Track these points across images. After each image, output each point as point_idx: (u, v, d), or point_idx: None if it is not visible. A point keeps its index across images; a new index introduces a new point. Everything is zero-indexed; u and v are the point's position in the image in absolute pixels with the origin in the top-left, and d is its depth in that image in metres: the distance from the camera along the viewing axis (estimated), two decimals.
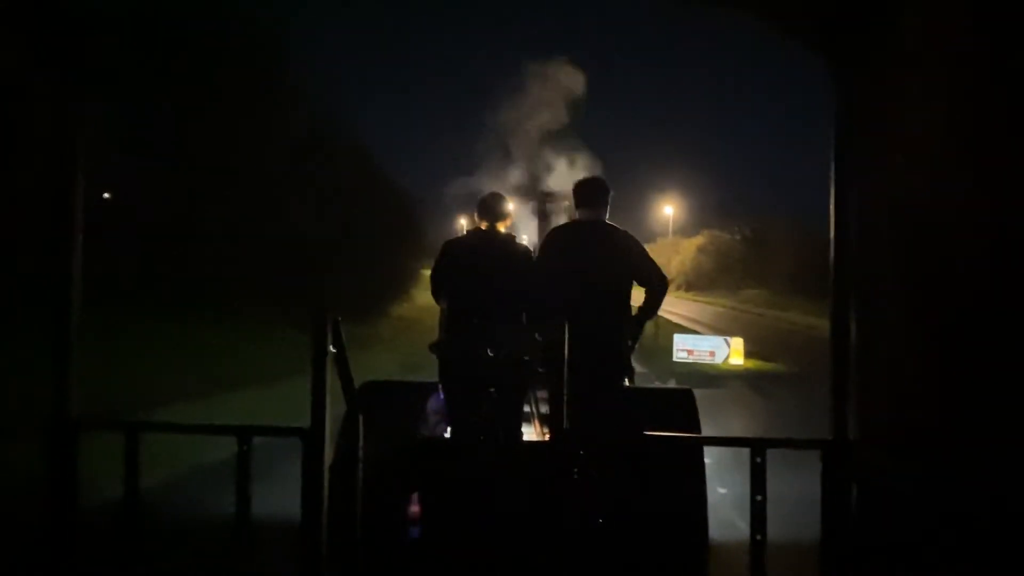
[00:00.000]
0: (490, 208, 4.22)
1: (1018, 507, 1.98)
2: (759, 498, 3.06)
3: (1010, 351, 2.02)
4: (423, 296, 22.79)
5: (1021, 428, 1.99)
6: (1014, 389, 2.03)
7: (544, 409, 4.22)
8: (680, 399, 4.21)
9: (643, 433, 3.45)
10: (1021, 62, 1.96)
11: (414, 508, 3.79)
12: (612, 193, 4.25)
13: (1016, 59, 1.97)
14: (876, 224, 2.78)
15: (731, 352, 17.71)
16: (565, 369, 3.24)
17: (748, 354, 17.91)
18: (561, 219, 4.77)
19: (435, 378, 4.14)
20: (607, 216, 4.21)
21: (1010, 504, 2.01)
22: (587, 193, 4.22)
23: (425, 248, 26.60)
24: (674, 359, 16.93)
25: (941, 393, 2.32)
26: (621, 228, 4.19)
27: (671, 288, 20.37)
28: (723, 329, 24.52)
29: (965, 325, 2.20)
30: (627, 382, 4.20)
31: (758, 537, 3.04)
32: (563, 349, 3.28)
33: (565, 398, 3.25)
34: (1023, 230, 1.99)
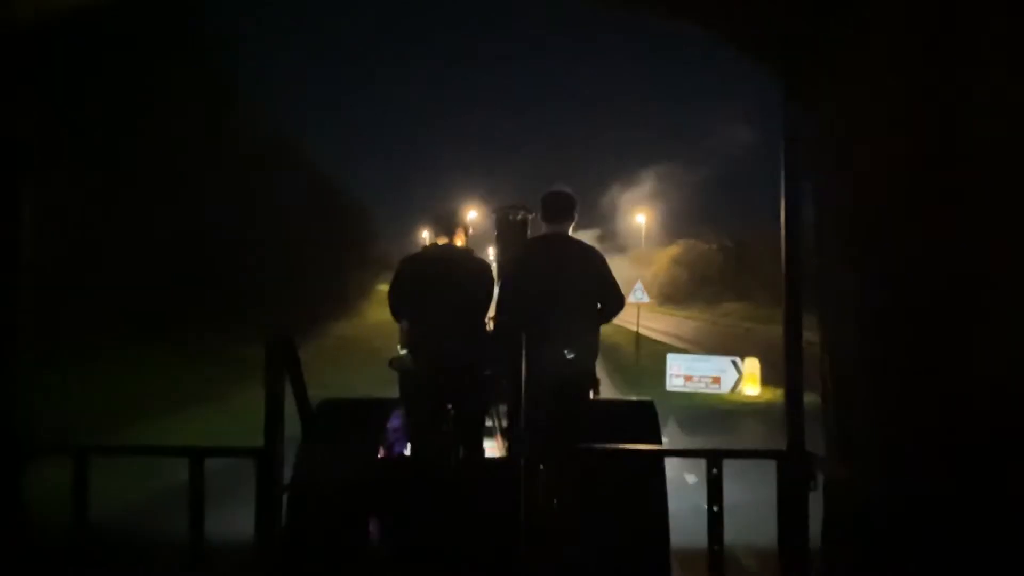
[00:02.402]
0: (445, 222, 4.44)
1: (979, 510, 2.12)
2: (715, 509, 3.28)
3: (965, 358, 2.16)
4: (377, 312, 22.83)
5: (980, 433, 2.13)
6: (971, 394, 2.16)
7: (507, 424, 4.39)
8: (641, 410, 4.41)
9: (598, 447, 3.67)
10: (961, 77, 2.15)
11: (374, 526, 3.95)
12: (578, 207, 4.47)
13: (956, 74, 2.16)
14: (830, 234, 2.94)
15: (744, 378, 14.18)
16: (523, 385, 3.39)
17: (764, 379, 13.95)
18: (527, 232, 4.98)
19: (395, 395, 4.36)
20: (572, 229, 4.44)
21: (972, 508, 2.14)
22: (554, 207, 4.41)
23: (381, 261, 26.38)
24: (668, 387, 13.98)
25: (898, 402, 2.46)
26: (587, 243, 4.46)
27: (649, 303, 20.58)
28: (712, 346, 21.38)
29: (921, 338, 2.34)
30: (592, 395, 4.44)
31: (715, 547, 3.25)
32: (520, 365, 3.41)
33: (524, 413, 3.40)
34: (973, 234, 2.13)
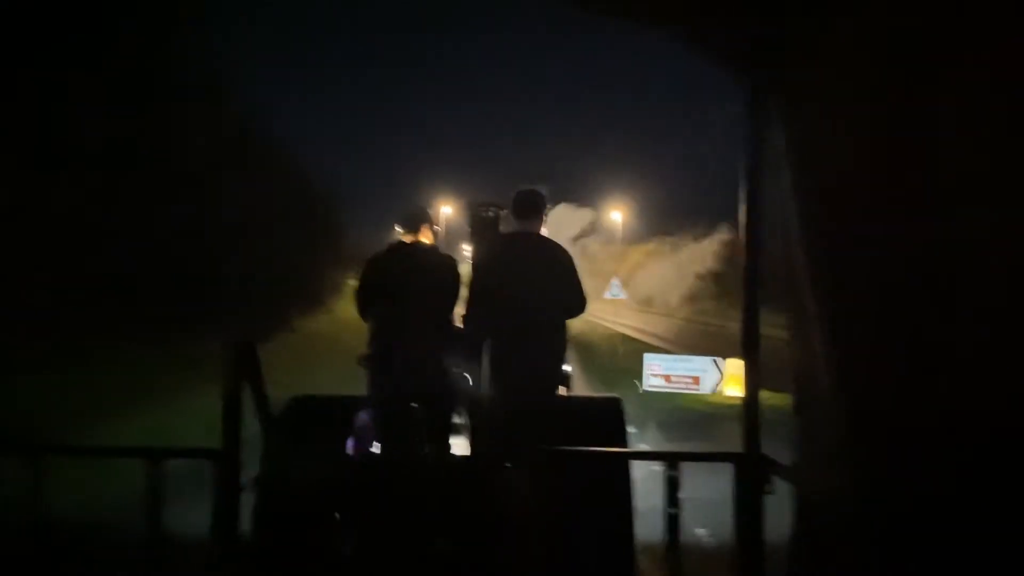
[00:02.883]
0: (412, 219, 4.56)
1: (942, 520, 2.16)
2: (672, 511, 3.38)
3: (937, 360, 2.20)
4: (348, 308, 22.47)
5: (947, 439, 2.16)
6: (944, 393, 2.18)
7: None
8: (607, 406, 4.54)
9: (558, 449, 3.73)
10: (929, 94, 2.20)
11: (341, 525, 4.00)
12: (548, 205, 4.61)
13: (925, 90, 2.21)
14: (795, 237, 2.95)
15: (725, 378, 13.83)
16: (485, 383, 3.45)
17: None
18: (499, 229, 5.10)
19: (363, 392, 4.42)
20: (542, 227, 4.56)
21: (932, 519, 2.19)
22: (524, 204, 4.52)
23: (353, 254, 26.04)
24: (644, 388, 13.66)
25: (865, 402, 2.48)
26: (556, 242, 4.53)
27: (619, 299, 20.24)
28: (690, 345, 20.86)
29: (888, 338, 2.38)
30: (563, 390, 4.64)
31: (673, 549, 3.35)
32: (482, 363, 3.48)
33: (489, 412, 3.47)
34: (938, 247, 2.18)
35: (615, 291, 18.75)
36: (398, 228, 4.67)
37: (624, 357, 18.32)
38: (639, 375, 14.01)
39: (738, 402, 10.00)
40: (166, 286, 14.67)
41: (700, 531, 4.73)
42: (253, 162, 20.13)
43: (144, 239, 14.21)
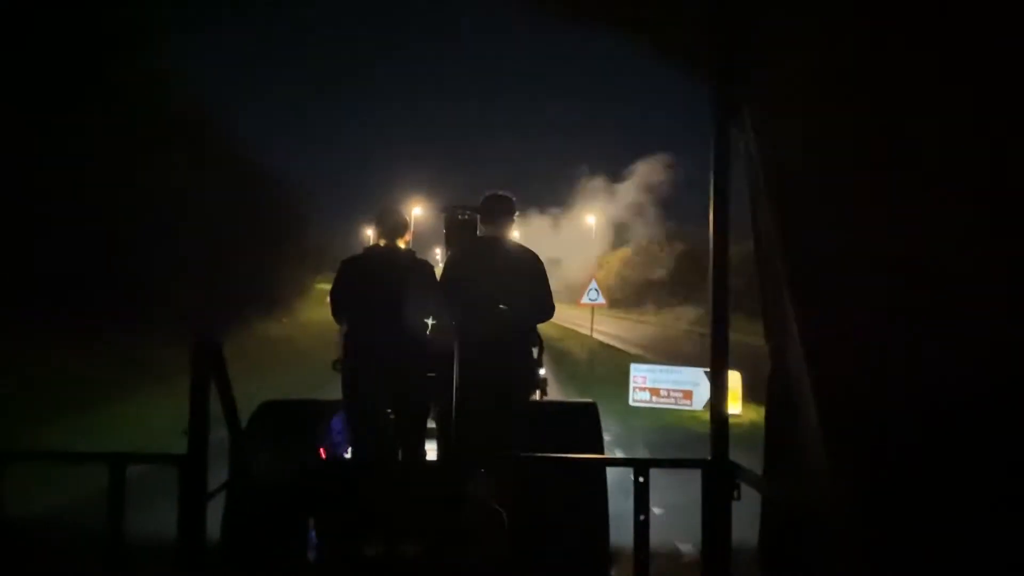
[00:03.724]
0: (387, 223, 4.58)
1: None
2: (642, 517, 3.45)
3: (917, 363, 2.25)
4: (312, 311, 21.52)
5: (924, 445, 2.20)
6: (911, 404, 2.24)
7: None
8: (583, 412, 4.57)
9: (530, 456, 3.76)
10: (900, 99, 2.30)
11: (312, 530, 4.00)
12: (517, 212, 4.68)
13: (896, 96, 2.31)
14: (769, 248, 2.97)
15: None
16: (455, 388, 3.59)
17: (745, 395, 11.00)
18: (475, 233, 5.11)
19: (337, 396, 4.44)
20: (511, 232, 4.65)
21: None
22: (493, 210, 4.60)
23: (320, 256, 24.96)
24: (631, 402, 11.96)
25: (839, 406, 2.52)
26: (525, 247, 4.59)
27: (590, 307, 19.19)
28: (669, 352, 19.96)
29: (860, 346, 2.43)
30: (538, 395, 4.81)
31: (642, 555, 3.41)
32: (453, 368, 3.61)
33: (455, 416, 3.59)
34: (913, 248, 2.25)
35: (592, 295, 17.66)
36: (374, 231, 4.73)
37: (602, 366, 17.32)
38: (620, 386, 12.35)
39: (738, 420, 9.14)
40: (89, 285, 13.65)
41: (685, 547, 4.78)
42: (208, 158, 19.09)
43: (73, 233, 13.16)
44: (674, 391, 12.06)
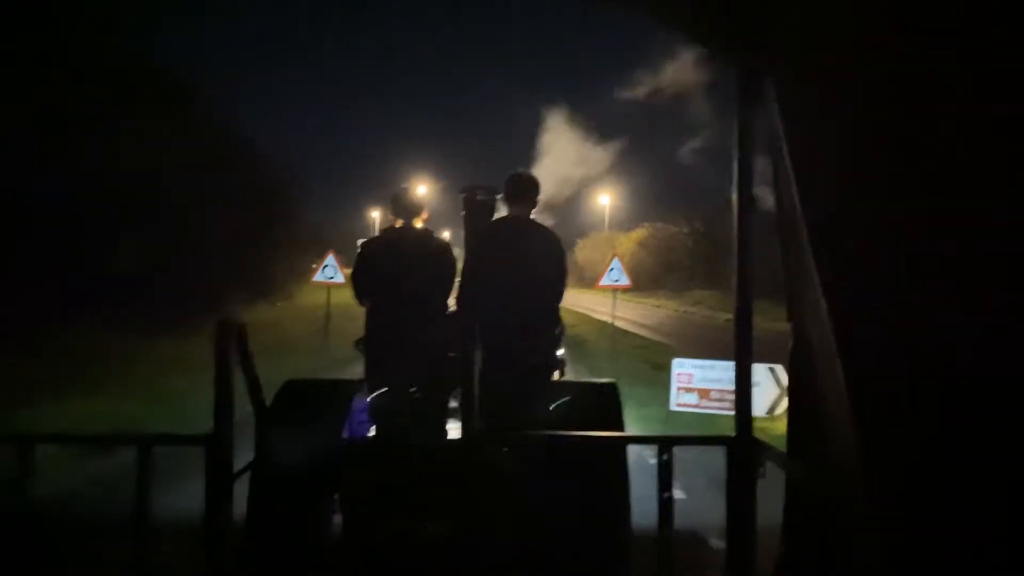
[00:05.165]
0: (402, 204, 4.72)
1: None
2: (666, 495, 3.55)
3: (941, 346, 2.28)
4: (314, 295, 19.99)
5: (949, 419, 2.22)
6: (937, 378, 2.26)
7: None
8: (603, 391, 4.62)
9: (550, 434, 3.95)
10: (927, 75, 2.36)
11: (337, 509, 4.12)
12: (540, 192, 4.72)
13: (922, 71, 2.37)
14: (790, 226, 3.04)
15: (785, 395, 8.71)
16: (478, 367, 3.70)
17: None
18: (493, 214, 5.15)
19: (359, 376, 4.63)
20: (533, 212, 4.70)
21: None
22: (516, 189, 4.64)
23: (316, 237, 23.44)
24: (673, 405, 9.37)
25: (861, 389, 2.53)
26: (548, 228, 4.68)
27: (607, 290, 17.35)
28: (694, 339, 17.22)
29: (888, 322, 2.47)
30: (558, 375, 4.88)
31: (666, 533, 3.52)
32: (473, 348, 3.72)
33: (477, 395, 3.68)
34: (940, 223, 2.30)
35: (615, 275, 15.78)
36: (390, 212, 4.85)
37: (627, 358, 15.64)
38: (653, 385, 10.39)
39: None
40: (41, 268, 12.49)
41: (716, 542, 4.27)
42: (194, 134, 17.73)
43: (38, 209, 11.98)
44: (728, 392, 8.60)
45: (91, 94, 14.47)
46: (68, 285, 13.10)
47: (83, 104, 14.15)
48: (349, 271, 5.20)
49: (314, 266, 18.95)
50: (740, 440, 3.49)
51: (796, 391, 3.20)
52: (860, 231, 2.54)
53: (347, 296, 5.57)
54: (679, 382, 9.49)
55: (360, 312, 4.68)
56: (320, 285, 17.26)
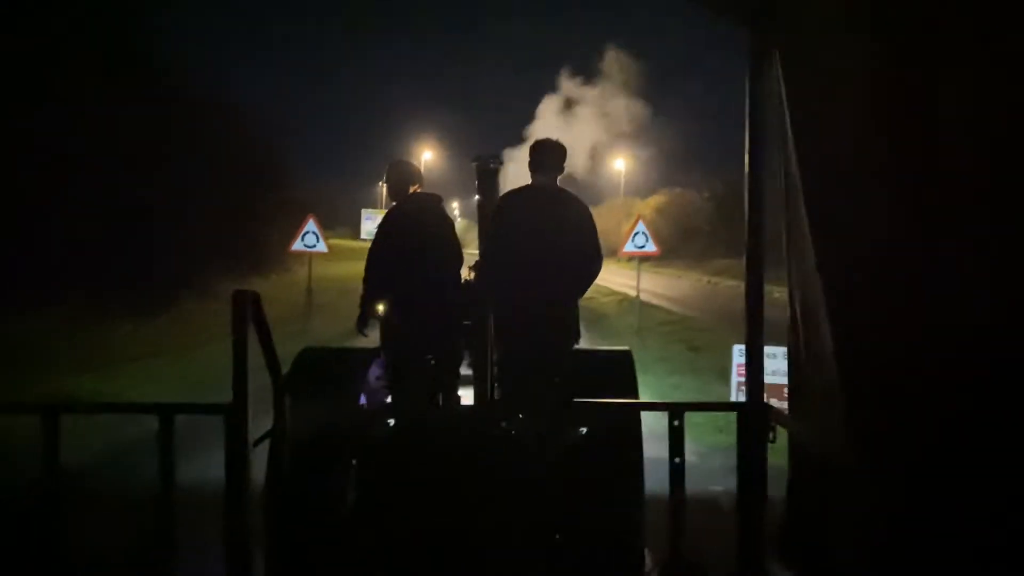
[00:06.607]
0: (401, 180, 4.86)
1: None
2: (677, 460, 3.64)
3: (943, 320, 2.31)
4: (305, 270, 18.66)
5: (944, 387, 2.26)
6: (931, 349, 2.31)
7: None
8: (618, 359, 4.69)
9: (565, 401, 3.95)
10: (933, 51, 2.35)
11: (353, 477, 4.22)
12: (567, 158, 4.77)
13: (928, 47, 2.36)
14: (796, 195, 3.08)
15: None
16: (494, 335, 3.98)
17: None
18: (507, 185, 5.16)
19: (375, 345, 4.73)
20: (559, 180, 4.72)
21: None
22: (543, 156, 4.66)
23: (310, 208, 22.13)
24: (736, 399, 7.51)
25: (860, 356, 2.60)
26: (574, 194, 4.74)
27: (625, 260, 15.88)
28: (730, 314, 14.81)
29: (883, 296, 2.51)
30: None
31: (678, 497, 3.61)
32: (488, 318, 4.01)
33: (495, 362, 3.96)
34: (941, 201, 2.33)
35: (640, 241, 14.12)
36: (400, 182, 4.89)
37: (650, 332, 13.90)
38: (687, 364, 9.10)
39: None
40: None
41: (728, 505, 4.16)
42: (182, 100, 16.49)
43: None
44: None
45: (66, 65, 13.40)
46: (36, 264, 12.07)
47: (56, 73, 13.06)
48: (340, 240, 5.80)
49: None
50: (751, 405, 3.64)
51: (796, 361, 3.32)
52: (858, 200, 2.62)
53: (349, 268, 5.72)
54: (741, 375, 8.03)
55: (357, 285, 4.74)
56: (302, 254, 15.34)
